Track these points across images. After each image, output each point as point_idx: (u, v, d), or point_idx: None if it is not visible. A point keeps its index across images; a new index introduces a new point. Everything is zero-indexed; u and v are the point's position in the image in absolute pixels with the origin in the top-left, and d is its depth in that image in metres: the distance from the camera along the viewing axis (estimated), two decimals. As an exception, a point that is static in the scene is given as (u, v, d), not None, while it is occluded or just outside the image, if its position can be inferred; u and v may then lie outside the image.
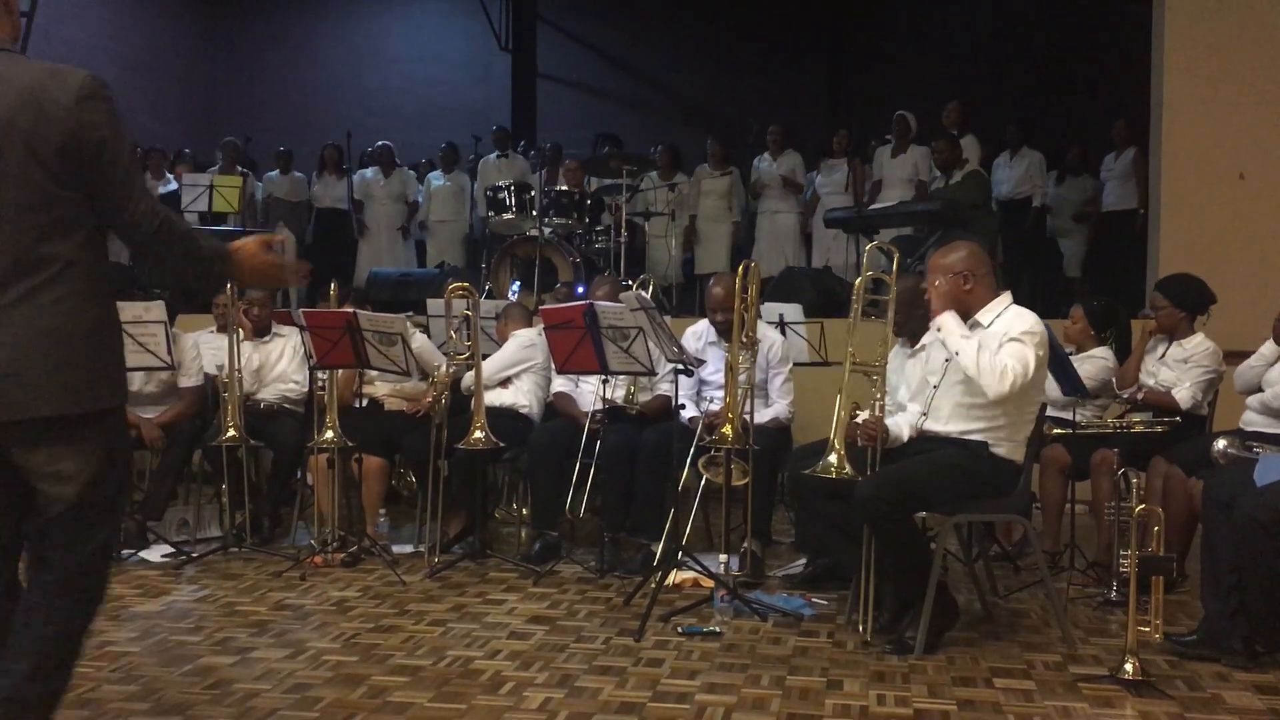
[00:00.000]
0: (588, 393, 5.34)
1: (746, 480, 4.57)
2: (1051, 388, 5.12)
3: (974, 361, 3.74)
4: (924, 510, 3.85)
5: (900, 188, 8.93)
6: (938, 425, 3.94)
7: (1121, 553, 3.64)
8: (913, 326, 4.47)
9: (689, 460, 4.75)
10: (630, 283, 7.09)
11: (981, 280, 3.93)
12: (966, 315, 3.92)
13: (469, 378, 5.27)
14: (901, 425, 4.01)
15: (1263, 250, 7.02)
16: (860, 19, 12.21)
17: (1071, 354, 5.17)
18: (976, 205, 7.83)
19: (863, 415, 4.00)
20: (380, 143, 10.37)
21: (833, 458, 3.82)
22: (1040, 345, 3.80)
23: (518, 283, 7.95)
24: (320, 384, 5.25)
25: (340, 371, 5.29)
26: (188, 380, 5.57)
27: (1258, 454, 3.96)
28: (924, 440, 3.96)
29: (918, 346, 4.42)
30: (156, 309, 5.07)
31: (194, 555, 5.16)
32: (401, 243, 10.31)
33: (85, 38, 11.73)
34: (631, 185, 8.48)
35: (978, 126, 9.07)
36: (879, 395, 3.96)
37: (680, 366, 4.63)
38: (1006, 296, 3.97)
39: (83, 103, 2.42)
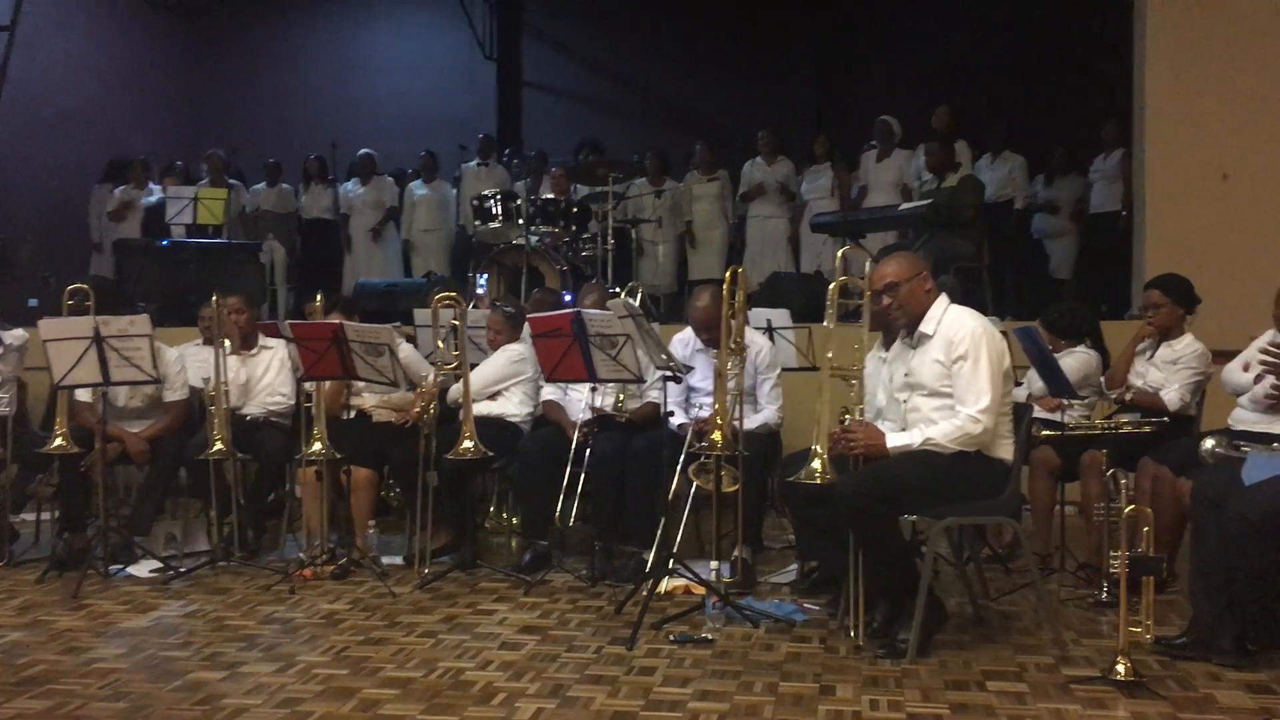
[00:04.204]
0: (576, 401, 5.32)
1: (737, 487, 4.56)
2: (1038, 386, 5.13)
3: (947, 438, 3.79)
4: (909, 510, 3.84)
5: (886, 192, 8.93)
6: (922, 426, 3.92)
7: (1111, 554, 3.65)
8: (890, 326, 4.47)
9: (679, 467, 4.74)
10: (618, 290, 7.08)
11: (929, 279, 4.00)
12: (920, 318, 3.94)
13: (455, 390, 5.25)
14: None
15: (1248, 250, 7.03)
16: (845, 23, 12.22)
17: (1057, 354, 5.17)
18: (974, 208, 7.84)
19: (849, 420, 3.99)
20: (362, 151, 10.34)
21: (816, 464, 3.81)
22: (984, 342, 3.81)
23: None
24: (307, 395, 5.22)
25: (327, 383, 5.27)
26: (173, 394, 5.54)
27: (1246, 453, 3.96)
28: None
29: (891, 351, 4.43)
30: (141, 322, 5.04)
31: (182, 570, 5.13)
32: (383, 252, 10.26)
33: (69, 51, 11.68)
34: (618, 192, 8.46)
35: (965, 130, 9.09)
36: (858, 400, 3.97)
37: (669, 373, 4.62)
38: (944, 299, 4.00)
39: None
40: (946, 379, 3.86)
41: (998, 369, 3.84)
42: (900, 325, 4.04)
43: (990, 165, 9.16)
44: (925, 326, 3.94)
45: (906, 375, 3.98)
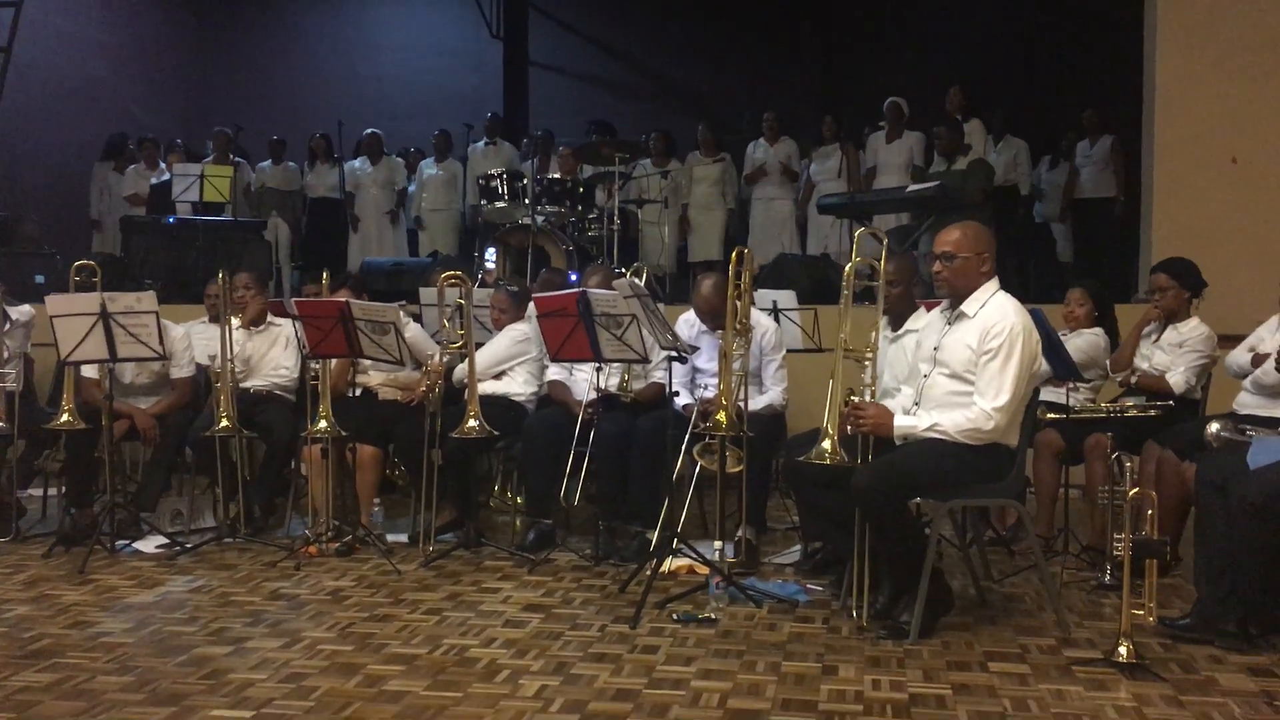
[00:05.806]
0: (582, 381, 5.33)
1: (741, 467, 4.56)
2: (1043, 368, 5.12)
3: (956, 428, 3.75)
4: (919, 496, 3.84)
5: (895, 174, 8.91)
6: (932, 412, 3.90)
7: (1115, 537, 3.65)
8: (898, 309, 4.46)
9: (684, 448, 4.74)
10: (624, 270, 7.08)
11: (988, 261, 3.92)
12: (966, 296, 3.90)
13: (461, 370, 5.26)
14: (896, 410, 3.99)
15: (1256, 235, 7.01)
16: (852, 5, 12.17)
17: (1064, 335, 5.17)
18: (985, 192, 7.81)
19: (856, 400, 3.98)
20: (369, 130, 10.33)
21: (826, 444, 3.80)
22: (1020, 340, 3.75)
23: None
24: (313, 373, 5.23)
25: (334, 361, 5.27)
26: (179, 371, 5.56)
27: (1251, 437, 3.96)
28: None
29: (900, 332, 4.41)
30: (148, 299, 5.05)
31: (188, 546, 5.16)
32: (392, 231, 10.28)
33: (75, 29, 11.66)
34: (624, 173, 8.44)
35: (972, 112, 9.05)
36: (869, 381, 3.96)
37: (674, 354, 4.62)
38: (994, 283, 3.95)
39: None
40: (973, 366, 3.80)
41: (1025, 370, 3.77)
42: (942, 294, 3.99)
43: (994, 149, 9.14)
44: (967, 307, 3.88)
45: (936, 350, 3.93)
